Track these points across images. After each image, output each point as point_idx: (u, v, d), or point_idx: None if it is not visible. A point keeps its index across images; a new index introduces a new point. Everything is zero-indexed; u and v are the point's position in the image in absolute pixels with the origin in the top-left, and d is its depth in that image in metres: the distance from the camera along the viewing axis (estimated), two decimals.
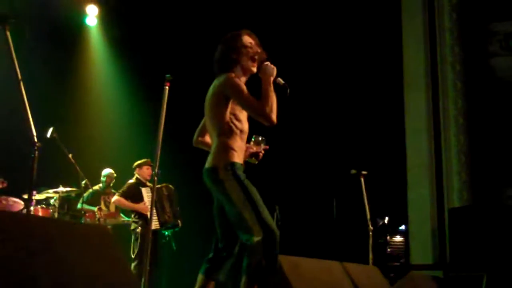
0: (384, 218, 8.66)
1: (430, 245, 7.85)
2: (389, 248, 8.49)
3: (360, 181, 6.67)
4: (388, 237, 8.52)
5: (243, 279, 3.46)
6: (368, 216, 6.59)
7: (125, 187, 7.40)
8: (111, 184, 8.32)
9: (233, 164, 3.63)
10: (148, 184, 7.39)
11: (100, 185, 8.28)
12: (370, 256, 6.44)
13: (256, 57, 3.83)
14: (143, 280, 4.86)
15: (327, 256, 5.41)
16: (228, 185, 3.58)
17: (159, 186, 7.21)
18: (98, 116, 10.29)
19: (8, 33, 3.37)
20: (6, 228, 2.11)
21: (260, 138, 4.00)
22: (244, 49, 3.83)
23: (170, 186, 7.43)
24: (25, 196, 6.96)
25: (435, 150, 8.06)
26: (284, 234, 7.91)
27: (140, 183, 7.41)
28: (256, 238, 3.44)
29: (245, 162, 3.86)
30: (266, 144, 4.03)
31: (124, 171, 8.28)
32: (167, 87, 4.69)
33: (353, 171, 6.70)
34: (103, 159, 8.98)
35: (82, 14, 9.87)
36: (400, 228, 8.60)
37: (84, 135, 9.73)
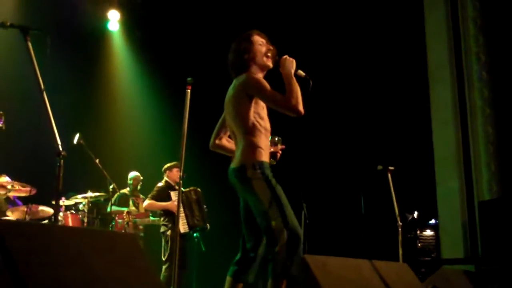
0: (413, 213, 8.58)
1: (461, 238, 7.73)
2: (420, 242, 8.42)
3: (387, 176, 6.61)
4: (418, 232, 8.44)
5: (270, 282, 3.47)
6: (397, 212, 6.53)
7: (154, 190, 7.44)
8: (138, 187, 8.39)
9: (261, 163, 3.64)
10: (177, 187, 7.42)
11: (128, 188, 8.36)
12: (400, 251, 6.38)
13: (269, 53, 3.86)
14: (173, 283, 4.89)
15: (356, 253, 5.38)
16: (256, 184, 3.58)
17: (187, 189, 7.26)
18: (123, 121, 10.38)
19: (29, 44, 3.40)
20: (35, 239, 2.13)
21: (276, 139, 4.02)
22: (256, 47, 3.86)
23: (199, 189, 7.45)
24: (54, 203, 7.05)
25: (463, 142, 7.94)
26: (312, 231, 7.95)
27: (169, 186, 7.44)
28: (280, 241, 3.43)
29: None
30: (282, 144, 4.04)
31: (150, 174, 8.35)
32: (188, 90, 4.71)
33: (379, 167, 6.64)
34: (129, 163, 9.06)
35: (103, 20, 9.95)
36: (430, 222, 8.51)
37: (110, 140, 9.82)
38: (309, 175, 8.83)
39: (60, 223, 6.96)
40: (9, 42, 8.11)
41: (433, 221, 8.45)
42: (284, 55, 3.87)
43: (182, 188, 7.19)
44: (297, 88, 3.66)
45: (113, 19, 9.96)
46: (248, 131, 3.68)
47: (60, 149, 3.28)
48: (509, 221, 6.93)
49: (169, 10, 9.70)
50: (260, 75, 3.84)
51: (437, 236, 8.24)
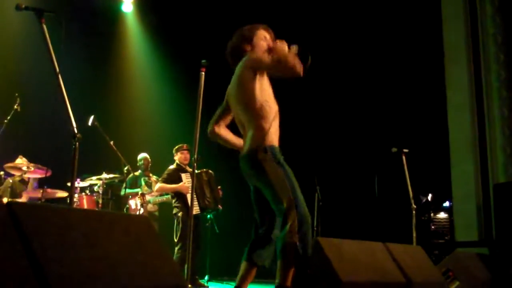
0: (427, 195, 8.56)
1: (475, 221, 7.69)
2: (433, 225, 8.40)
3: (402, 159, 6.59)
4: (432, 214, 8.43)
5: (279, 262, 3.47)
6: (411, 195, 6.52)
7: (165, 173, 7.48)
8: (148, 168, 8.45)
9: (272, 147, 3.64)
10: (188, 169, 7.46)
11: (139, 171, 8.41)
12: (414, 234, 6.38)
13: (270, 50, 3.81)
14: (186, 264, 4.92)
15: (370, 235, 5.38)
16: (267, 166, 3.57)
17: (198, 171, 7.27)
18: (137, 103, 10.42)
19: (44, 27, 3.40)
20: (51, 222, 2.15)
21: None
22: (259, 41, 3.86)
23: (210, 171, 7.47)
24: (69, 184, 7.12)
25: (479, 125, 7.87)
26: (326, 214, 7.95)
27: (180, 168, 7.47)
28: (290, 223, 3.43)
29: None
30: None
31: (164, 156, 8.39)
32: (203, 73, 4.69)
33: (394, 149, 6.62)
34: (144, 145, 9.11)
35: (117, 1, 9.94)
36: (444, 205, 8.49)
37: (124, 122, 9.86)
38: (323, 158, 8.83)
39: (75, 205, 7.02)
40: (23, 24, 8.15)
41: (447, 203, 8.43)
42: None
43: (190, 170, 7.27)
44: (293, 55, 3.63)
45: (127, 1, 9.94)
46: (257, 114, 3.67)
47: (76, 131, 3.29)
48: None
49: None
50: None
51: (451, 219, 8.23)
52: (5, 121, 6.70)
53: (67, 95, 3.39)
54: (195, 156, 4.71)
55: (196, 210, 7.06)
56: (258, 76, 3.71)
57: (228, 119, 4.01)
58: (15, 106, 6.76)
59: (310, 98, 9.01)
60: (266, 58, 3.71)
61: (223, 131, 4.01)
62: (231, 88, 3.83)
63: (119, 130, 8.97)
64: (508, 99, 7.76)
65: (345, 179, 9.03)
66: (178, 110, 9.62)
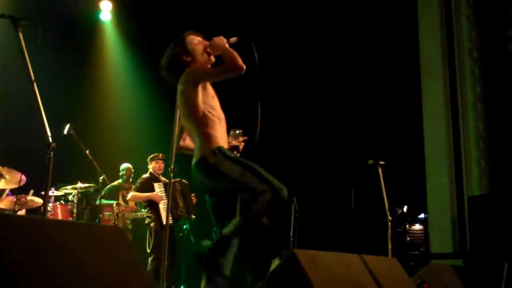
0: (403, 207, 8.62)
1: (450, 233, 7.76)
2: (408, 236, 8.45)
3: (378, 171, 6.63)
4: (407, 226, 8.48)
5: (236, 220, 3.60)
6: (387, 206, 6.55)
7: (138, 182, 7.44)
8: (130, 179, 8.37)
9: (219, 148, 3.68)
10: (162, 178, 7.42)
11: (120, 180, 8.34)
12: (389, 246, 6.41)
13: (208, 49, 3.92)
14: (161, 275, 4.88)
15: (346, 247, 5.39)
16: (222, 167, 3.62)
17: (172, 181, 7.23)
18: (114, 112, 10.35)
19: (20, 35, 3.37)
20: (21, 232, 2.12)
21: (237, 132, 4.12)
22: (194, 46, 3.94)
23: (184, 180, 7.43)
24: (43, 193, 7.03)
25: (454, 138, 7.95)
26: (302, 225, 7.95)
27: (153, 177, 7.44)
28: (264, 195, 3.50)
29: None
30: (244, 136, 4.08)
31: (140, 166, 8.34)
32: None
33: (370, 162, 6.66)
34: (120, 155, 9.05)
35: (96, 10, 9.89)
36: (419, 216, 8.55)
37: (101, 131, 9.79)
38: (300, 169, 8.84)
39: (49, 214, 6.93)
40: None
41: (422, 215, 8.49)
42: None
43: (166, 180, 7.24)
44: (230, 52, 3.74)
45: (105, 9, 9.91)
46: (201, 123, 3.73)
47: (50, 140, 3.26)
48: (498, 216, 6.96)
49: (160, 1, 9.65)
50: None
51: (426, 231, 8.28)
52: None
53: (42, 103, 3.36)
54: (171, 166, 4.69)
55: (168, 220, 7.02)
56: (200, 87, 3.78)
57: (186, 130, 4.08)
58: None
59: (287, 110, 9.04)
60: (208, 69, 3.83)
61: (188, 142, 4.09)
62: (177, 103, 3.92)
63: (95, 139, 8.89)
64: (482, 112, 7.87)
65: (321, 190, 9.05)
66: (155, 120, 9.57)
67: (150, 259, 7.05)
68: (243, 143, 4.07)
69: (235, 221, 3.63)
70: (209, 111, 3.76)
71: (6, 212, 6.82)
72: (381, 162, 6.63)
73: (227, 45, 3.82)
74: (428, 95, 8.28)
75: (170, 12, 9.65)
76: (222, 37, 3.87)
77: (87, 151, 7.36)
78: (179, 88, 3.85)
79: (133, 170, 8.42)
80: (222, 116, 3.87)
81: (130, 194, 7.42)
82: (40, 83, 3.39)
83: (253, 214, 3.57)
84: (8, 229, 2.05)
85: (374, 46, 9.06)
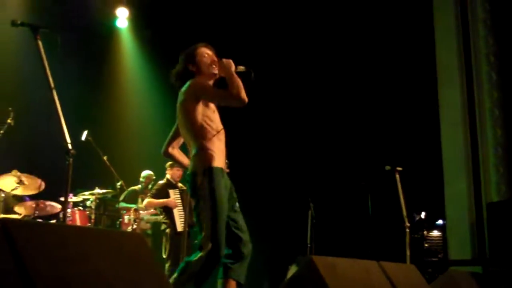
0: (421, 213, 8.56)
1: (469, 240, 7.68)
2: (426, 243, 8.39)
3: (395, 177, 6.59)
4: (425, 232, 8.42)
5: (175, 275, 3.69)
6: (405, 213, 6.51)
7: (154, 188, 7.47)
8: (149, 186, 8.41)
9: (211, 169, 3.72)
10: (179, 184, 7.44)
11: (139, 185, 8.38)
12: (407, 253, 6.36)
13: (214, 64, 4.00)
14: None
15: (363, 253, 5.36)
16: (200, 193, 3.70)
17: (186, 187, 7.26)
18: (131, 118, 10.40)
19: (40, 43, 3.41)
20: (44, 240, 2.14)
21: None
22: (201, 58, 4.01)
23: None
24: (62, 199, 7.10)
25: (471, 144, 7.89)
26: (319, 232, 7.92)
27: (170, 184, 7.45)
28: (205, 250, 3.61)
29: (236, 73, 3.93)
30: (228, 168, 4.08)
31: (157, 173, 8.38)
32: None
33: (387, 168, 6.63)
34: (137, 161, 9.09)
35: (112, 17, 9.97)
36: (437, 222, 8.48)
37: (118, 137, 9.84)
38: (317, 176, 8.82)
39: (67, 220, 6.97)
40: (17, 39, 8.15)
41: (440, 221, 8.42)
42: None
43: (182, 187, 7.27)
44: (237, 80, 3.79)
45: (122, 17, 9.97)
46: (198, 135, 3.80)
47: (70, 147, 3.28)
48: None
49: (177, 8, 9.70)
50: (210, 83, 3.98)
51: (444, 237, 8.21)
52: None
53: (61, 110, 3.39)
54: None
55: (182, 227, 7.04)
56: (201, 100, 3.86)
57: (181, 140, 4.19)
58: (9, 120, 6.74)
59: (304, 117, 9.03)
60: (211, 89, 3.89)
61: (176, 153, 4.22)
62: (177, 109, 4.01)
63: (112, 145, 8.95)
64: (500, 118, 7.80)
65: (338, 197, 9.02)
66: (172, 125, 9.60)
67: (167, 265, 7.07)
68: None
69: (195, 256, 3.71)
70: (208, 124, 3.83)
71: (26, 217, 6.88)
72: (399, 168, 6.59)
73: (233, 70, 3.86)
74: (445, 101, 8.23)
75: (186, 18, 9.70)
76: (231, 61, 3.91)
77: (105, 157, 7.41)
78: (180, 97, 3.95)
79: (153, 178, 8.45)
80: (220, 128, 3.91)
81: (146, 201, 7.45)
82: (58, 90, 3.42)
83: (186, 274, 3.68)
84: (29, 235, 2.07)
85: (391, 52, 9.03)
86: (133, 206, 7.88)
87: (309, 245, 7.74)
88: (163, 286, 2.52)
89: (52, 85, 3.37)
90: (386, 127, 9.07)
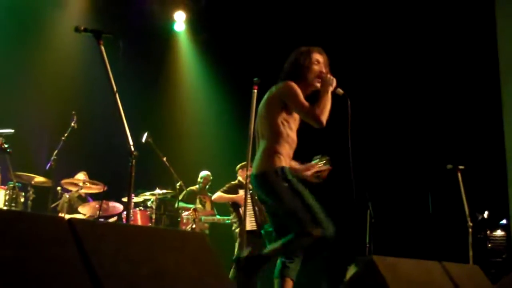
0: (484, 213, 8.34)
1: None
2: (490, 243, 8.18)
3: (457, 176, 6.46)
4: (488, 232, 8.21)
5: (276, 245, 3.65)
6: (467, 212, 6.37)
7: (226, 185, 7.54)
8: (207, 187, 8.50)
9: (283, 168, 3.69)
10: (250, 186, 7.47)
11: (197, 186, 8.49)
12: (470, 253, 6.23)
13: (321, 75, 3.92)
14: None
15: (424, 254, 5.27)
16: (280, 189, 3.64)
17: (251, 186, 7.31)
18: (189, 120, 10.55)
19: (102, 48, 3.49)
20: (107, 238, 2.20)
21: (325, 160, 4.04)
22: (311, 65, 3.92)
23: None
24: (124, 199, 7.28)
25: None
26: (378, 231, 7.83)
27: (241, 185, 7.50)
28: (313, 234, 3.52)
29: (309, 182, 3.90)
30: (330, 165, 4.04)
31: (216, 173, 8.48)
32: (255, 90, 4.73)
33: (449, 166, 6.50)
34: (196, 162, 9.21)
35: (170, 21, 10.14)
36: (501, 222, 8.26)
37: (177, 138, 9.99)
38: (376, 174, 8.71)
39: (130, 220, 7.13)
40: (79, 44, 8.40)
41: (504, 221, 8.20)
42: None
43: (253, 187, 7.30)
44: (327, 102, 3.76)
45: (179, 20, 10.13)
46: (272, 137, 3.77)
47: (132, 149, 3.36)
48: None
49: (234, 10, 9.76)
50: (304, 94, 3.87)
51: (508, 237, 8.00)
52: (63, 138, 6.87)
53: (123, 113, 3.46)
54: (247, 173, 4.75)
55: (252, 226, 7.08)
56: (287, 105, 3.82)
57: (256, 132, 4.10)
58: (72, 124, 6.93)
59: (363, 113, 8.93)
60: (300, 101, 3.77)
61: None
62: (262, 102, 3.95)
63: (171, 146, 9.09)
64: None
65: (398, 195, 8.89)
66: (230, 128, 9.68)
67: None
68: (327, 171, 4.03)
69: (278, 244, 3.68)
70: (285, 130, 3.80)
71: (89, 217, 7.09)
72: (461, 167, 6.46)
73: (331, 90, 3.84)
74: (508, 97, 8.00)
75: (242, 21, 9.75)
76: (334, 80, 3.89)
77: (164, 158, 7.53)
78: (268, 94, 3.92)
79: (211, 178, 8.54)
80: (295, 139, 3.89)
81: (216, 194, 7.52)
82: (119, 93, 3.49)
83: (293, 246, 3.64)
84: (96, 235, 2.14)
85: (452, 47, 8.82)
86: (192, 206, 7.98)
87: (367, 245, 7.66)
88: (224, 284, 2.55)
89: (115, 89, 3.45)
90: (448, 125, 8.87)
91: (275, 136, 3.76)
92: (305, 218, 3.55)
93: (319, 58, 3.97)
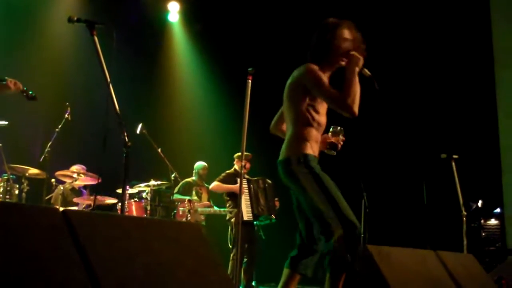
0: (478, 202, 8.38)
1: None
2: (484, 232, 8.23)
3: (451, 165, 6.48)
4: (482, 221, 8.25)
5: (327, 275, 3.35)
6: (461, 201, 6.39)
7: (222, 175, 7.52)
8: (203, 177, 8.49)
9: (306, 155, 3.51)
10: (246, 176, 7.47)
11: (193, 177, 8.47)
12: (465, 242, 6.25)
13: (350, 52, 3.59)
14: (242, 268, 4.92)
15: (418, 242, 5.30)
16: (302, 177, 3.47)
17: (256, 178, 7.33)
18: (184, 111, 10.54)
19: (95, 38, 3.47)
20: (102, 229, 2.19)
21: (338, 128, 3.86)
22: (339, 42, 3.63)
23: (268, 180, 7.46)
24: (119, 191, 7.27)
25: None
26: (373, 221, 7.85)
27: (237, 174, 7.49)
28: (336, 234, 3.31)
29: (323, 153, 3.78)
30: (344, 135, 3.87)
31: (211, 164, 8.46)
32: (249, 81, 4.70)
33: (443, 156, 6.51)
34: (191, 153, 9.20)
35: (164, 11, 10.11)
36: (495, 211, 8.30)
37: (172, 129, 9.98)
38: (370, 164, 8.73)
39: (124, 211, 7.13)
40: (72, 35, 8.36)
41: (498, 210, 8.25)
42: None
43: (250, 177, 7.32)
44: (356, 87, 3.48)
45: (173, 11, 10.10)
46: (298, 122, 3.59)
47: (127, 140, 3.35)
48: None
49: (228, 0, 9.74)
50: (327, 73, 3.65)
51: (502, 226, 8.05)
52: (56, 130, 6.86)
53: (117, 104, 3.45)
54: (242, 163, 4.73)
55: (248, 216, 7.09)
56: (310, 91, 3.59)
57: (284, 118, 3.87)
58: (66, 115, 6.91)
59: (361, 105, 8.93)
60: (325, 88, 3.49)
61: (285, 128, 3.84)
62: (286, 86, 3.71)
63: (166, 137, 9.08)
64: None
65: (392, 185, 8.91)
66: (224, 118, 9.68)
67: (232, 254, 7.12)
68: (341, 142, 3.87)
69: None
70: (311, 113, 3.58)
71: (83, 209, 7.08)
72: (455, 156, 6.47)
73: (357, 70, 3.53)
74: (502, 87, 8.03)
75: (237, 11, 9.72)
76: (362, 60, 3.57)
77: (159, 150, 7.52)
78: (290, 79, 3.66)
79: (206, 170, 8.53)
80: (323, 122, 3.67)
81: (214, 184, 7.49)
82: (113, 84, 3.47)
83: (336, 266, 3.35)
84: (92, 227, 2.13)
85: (446, 38, 8.82)
86: (187, 197, 7.97)
87: (362, 235, 7.67)
88: (220, 274, 2.55)
89: (109, 80, 3.43)
90: (442, 115, 8.88)
91: (300, 122, 3.57)
92: (328, 214, 3.36)
93: (346, 35, 3.66)
